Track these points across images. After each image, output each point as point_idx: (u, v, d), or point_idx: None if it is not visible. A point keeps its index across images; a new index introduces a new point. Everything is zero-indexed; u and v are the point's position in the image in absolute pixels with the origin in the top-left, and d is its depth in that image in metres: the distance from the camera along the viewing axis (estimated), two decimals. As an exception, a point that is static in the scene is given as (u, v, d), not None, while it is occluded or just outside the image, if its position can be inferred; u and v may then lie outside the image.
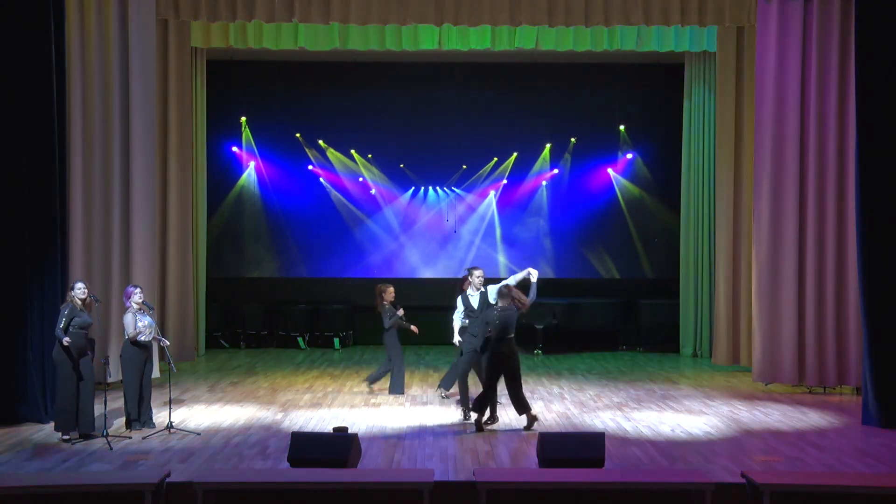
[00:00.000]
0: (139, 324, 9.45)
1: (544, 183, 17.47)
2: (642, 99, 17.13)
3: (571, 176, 17.45)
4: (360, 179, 17.38)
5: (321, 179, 17.29)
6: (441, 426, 9.91)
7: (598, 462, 7.70)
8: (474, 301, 10.28)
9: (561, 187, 17.46)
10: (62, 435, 9.12)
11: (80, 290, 9.23)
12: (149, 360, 9.63)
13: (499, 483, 7.13)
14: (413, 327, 11.66)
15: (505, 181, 17.42)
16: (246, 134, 17.13)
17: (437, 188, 17.51)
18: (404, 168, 17.34)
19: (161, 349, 9.65)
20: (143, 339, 9.49)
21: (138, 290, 9.62)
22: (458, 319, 10.53)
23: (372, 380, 11.83)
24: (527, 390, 12.04)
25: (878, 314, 10.23)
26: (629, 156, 17.35)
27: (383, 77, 16.89)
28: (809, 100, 11.79)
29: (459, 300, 10.47)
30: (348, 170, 17.37)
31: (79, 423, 9.15)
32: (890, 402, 10.03)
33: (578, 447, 7.82)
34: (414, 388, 12.20)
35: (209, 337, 15.93)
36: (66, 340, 8.98)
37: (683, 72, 15.66)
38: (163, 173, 13.29)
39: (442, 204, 17.52)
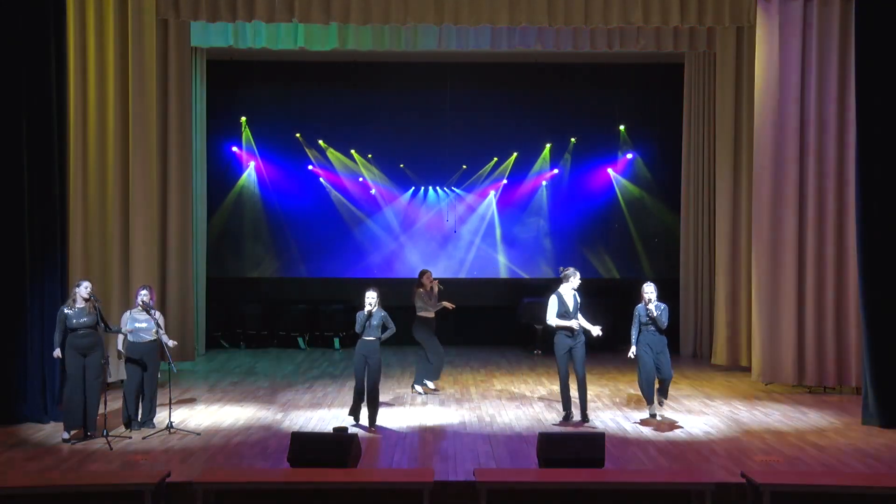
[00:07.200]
0: (135, 324, 9.53)
1: (544, 183, 17.47)
2: (642, 99, 17.11)
3: (571, 176, 17.44)
4: (360, 179, 17.37)
5: (321, 179, 17.28)
6: (441, 426, 9.92)
7: (598, 462, 7.70)
8: (569, 300, 9.99)
9: (561, 187, 17.45)
10: (63, 434, 9.15)
11: (84, 289, 9.23)
12: (147, 359, 9.62)
13: (499, 483, 7.14)
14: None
15: (505, 181, 17.40)
16: (246, 134, 17.12)
17: (437, 188, 17.50)
18: (404, 168, 17.33)
19: (162, 349, 9.63)
20: (135, 339, 9.55)
21: (144, 291, 9.65)
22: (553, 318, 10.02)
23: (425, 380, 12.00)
24: (527, 390, 12.09)
25: (877, 314, 10.23)
26: (629, 156, 17.34)
27: (383, 77, 16.87)
28: (809, 100, 11.80)
29: (556, 300, 9.97)
30: (348, 170, 17.36)
31: (86, 422, 9.19)
32: (890, 402, 10.04)
33: (578, 447, 7.82)
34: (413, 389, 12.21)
35: (209, 337, 15.92)
36: (56, 353, 9.21)
37: (683, 72, 15.67)
38: (163, 174, 13.29)
39: (442, 204, 17.51)
